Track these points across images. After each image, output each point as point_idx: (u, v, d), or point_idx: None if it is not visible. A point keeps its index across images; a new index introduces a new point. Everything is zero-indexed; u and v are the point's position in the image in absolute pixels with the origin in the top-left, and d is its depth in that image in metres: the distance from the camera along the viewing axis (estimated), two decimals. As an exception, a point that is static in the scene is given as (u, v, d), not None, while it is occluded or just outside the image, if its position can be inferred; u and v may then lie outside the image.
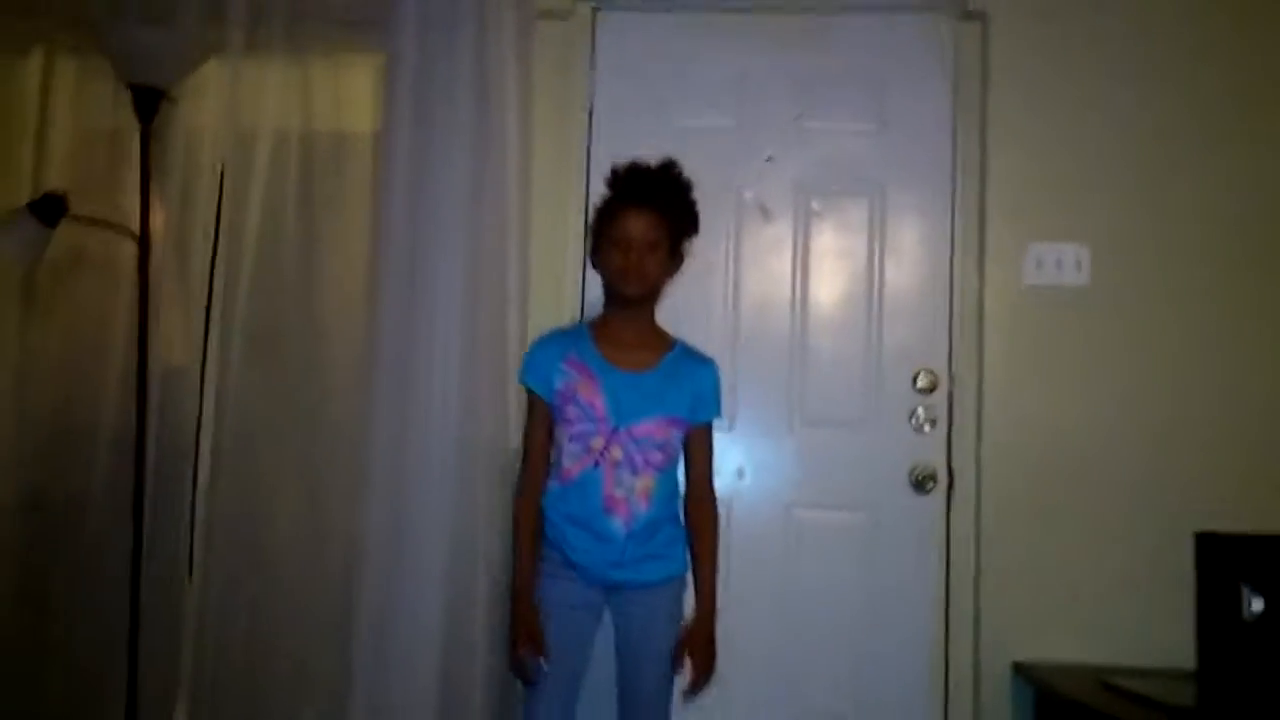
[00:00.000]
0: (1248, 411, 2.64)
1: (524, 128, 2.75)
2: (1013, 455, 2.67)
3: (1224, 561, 2.53)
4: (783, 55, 2.84)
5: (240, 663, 2.70)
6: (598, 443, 2.05)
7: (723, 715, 2.70)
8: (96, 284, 2.85)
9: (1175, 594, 2.56)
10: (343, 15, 2.81)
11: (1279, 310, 2.65)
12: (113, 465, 2.78)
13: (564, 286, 2.79)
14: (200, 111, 2.84)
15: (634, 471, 2.06)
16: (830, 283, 2.82)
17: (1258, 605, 2.46)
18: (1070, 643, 2.57)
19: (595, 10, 2.88)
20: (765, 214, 2.82)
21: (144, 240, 2.66)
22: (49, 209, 2.60)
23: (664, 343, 2.18)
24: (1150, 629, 2.56)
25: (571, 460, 2.07)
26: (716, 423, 2.66)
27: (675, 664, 2.11)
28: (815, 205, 2.82)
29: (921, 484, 2.72)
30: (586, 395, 2.06)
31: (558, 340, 2.18)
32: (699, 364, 2.19)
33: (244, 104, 2.81)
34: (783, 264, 2.82)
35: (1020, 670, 2.56)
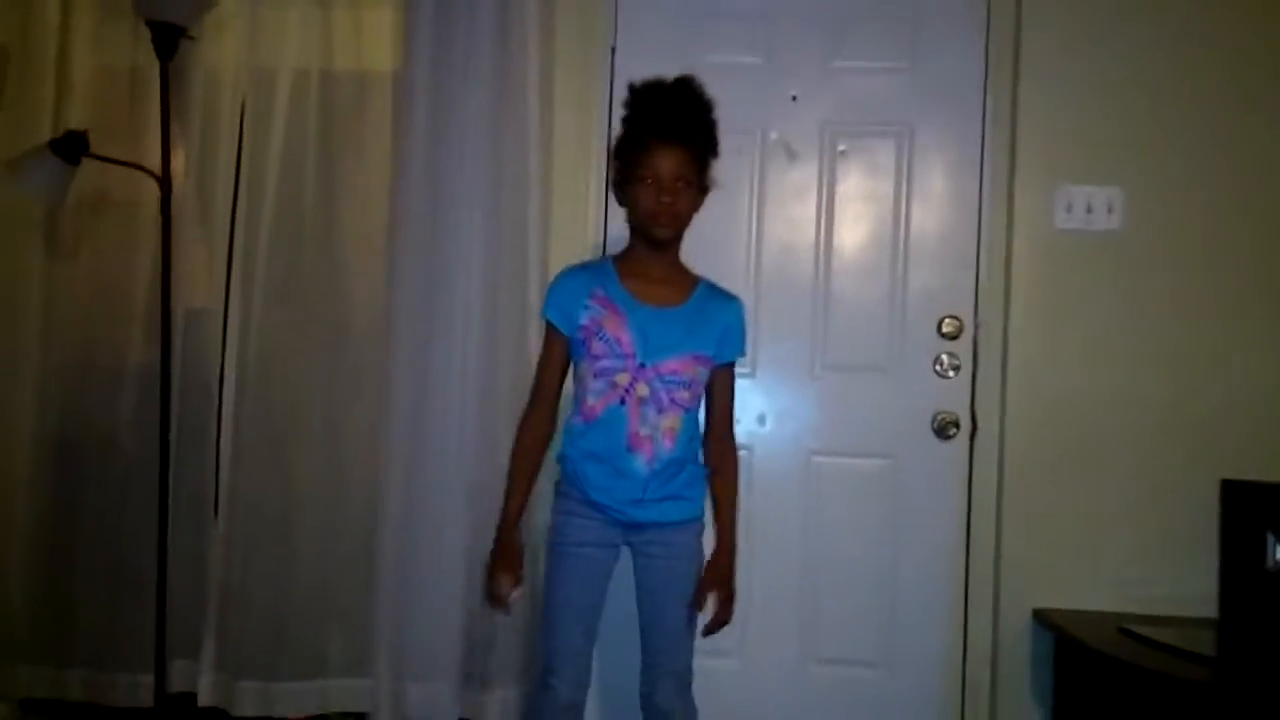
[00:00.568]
0: (1277, 361, 2.59)
1: (545, 65, 2.72)
2: (1037, 403, 2.64)
3: (1250, 510, 2.50)
4: (811, -10, 2.78)
5: (265, 596, 2.75)
6: (623, 379, 2.02)
7: (744, 660, 2.73)
8: (118, 224, 2.86)
9: (1197, 543, 2.54)
10: (363, -49, 2.78)
11: (1317, 258, 2.60)
12: (138, 404, 2.82)
13: (587, 226, 2.77)
14: (220, 50, 2.83)
15: (660, 410, 2.04)
16: (855, 225, 2.78)
17: (1282, 554, 2.44)
18: (1091, 590, 2.56)
19: (619, -55, 2.82)
20: (790, 155, 2.77)
21: (165, 180, 2.66)
22: (71, 147, 2.60)
23: (689, 279, 2.14)
24: (1171, 578, 2.55)
25: (596, 397, 2.04)
26: (737, 369, 2.68)
27: (696, 603, 2.11)
28: (842, 146, 2.77)
29: (944, 430, 2.70)
30: (613, 330, 2.03)
31: (583, 275, 2.13)
32: (726, 301, 2.16)
33: (264, 42, 2.80)
34: (807, 206, 2.78)
35: (1040, 617, 2.56)
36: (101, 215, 2.86)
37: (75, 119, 2.78)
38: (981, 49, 2.72)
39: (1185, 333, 2.61)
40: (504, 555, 2.08)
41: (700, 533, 2.16)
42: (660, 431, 2.04)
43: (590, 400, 2.05)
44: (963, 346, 2.71)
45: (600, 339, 2.03)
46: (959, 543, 2.70)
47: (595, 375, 2.04)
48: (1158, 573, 2.55)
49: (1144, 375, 2.61)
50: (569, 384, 2.14)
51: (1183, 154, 2.63)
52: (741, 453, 2.69)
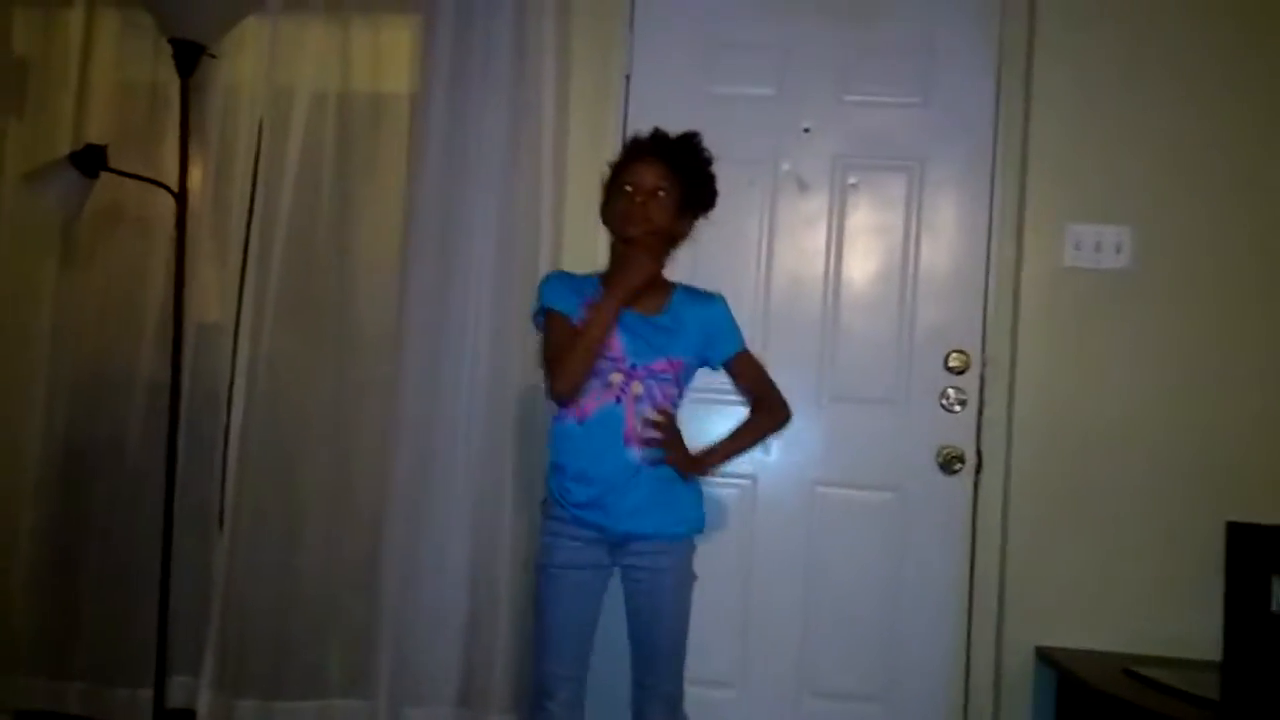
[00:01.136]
0: (1283, 403, 2.60)
1: (560, 91, 2.75)
2: (1042, 439, 2.64)
3: (1255, 552, 2.49)
4: (827, 25, 2.80)
5: (268, 613, 2.75)
6: (617, 378, 2.06)
7: (742, 691, 2.72)
8: (134, 238, 2.88)
9: (1202, 585, 2.53)
10: (382, -26, 2.81)
11: (1323, 302, 2.60)
12: (146, 417, 2.83)
13: (597, 251, 2.76)
14: (239, 68, 2.86)
15: (654, 405, 2.09)
16: (865, 258, 2.79)
17: (1287, 598, 2.43)
18: (1095, 630, 2.55)
19: (635, -26, 2.85)
20: (801, 186, 2.79)
21: (181, 195, 2.68)
22: (89, 160, 2.62)
23: (667, 286, 2.19)
24: (1176, 619, 2.53)
25: (589, 398, 2.07)
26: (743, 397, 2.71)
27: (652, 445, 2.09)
28: (852, 179, 2.79)
29: (949, 465, 2.69)
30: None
31: (573, 280, 2.19)
32: (706, 302, 2.20)
33: (283, 62, 2.83)
34: (817, 238, 2.79)
35: (1043, 655, 2.54)
36: (117, 228, 2.89)
37: (94, 133, 2.81)
38: (993, 86, 2.74)
39: (1193, 373, 2.61)
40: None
41: (690, 553, 2.15)
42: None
43: (584, 401, 2.07)
44: (969, 381, 2.71)
45: None
46: (962, 578, 2.69)
47: (590, 377, 2.07)
48: (1162, 613, 2.54)
49: (1150, 414, 2.61)
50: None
51: (1193, 194, 2.64)
52: (745, 481, 2.74)
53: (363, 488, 2.77)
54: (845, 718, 2.71)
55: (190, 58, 2.62)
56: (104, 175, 2.65)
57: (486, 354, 2.70)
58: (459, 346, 2.69)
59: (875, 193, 2.79)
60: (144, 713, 2.74)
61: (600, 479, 2.07)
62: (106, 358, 2.88)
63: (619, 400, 2.07)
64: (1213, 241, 2.63)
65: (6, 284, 2.90)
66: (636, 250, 2.10)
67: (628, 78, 2.82)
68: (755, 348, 2.65)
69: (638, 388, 2.08)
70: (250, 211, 2.85)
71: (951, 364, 2.71)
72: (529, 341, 2.67)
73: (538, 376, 2.67)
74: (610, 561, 2.11)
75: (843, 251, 2.79)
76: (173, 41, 2.60)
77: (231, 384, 2.83)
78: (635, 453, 2.07)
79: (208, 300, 2.87)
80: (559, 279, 2.21)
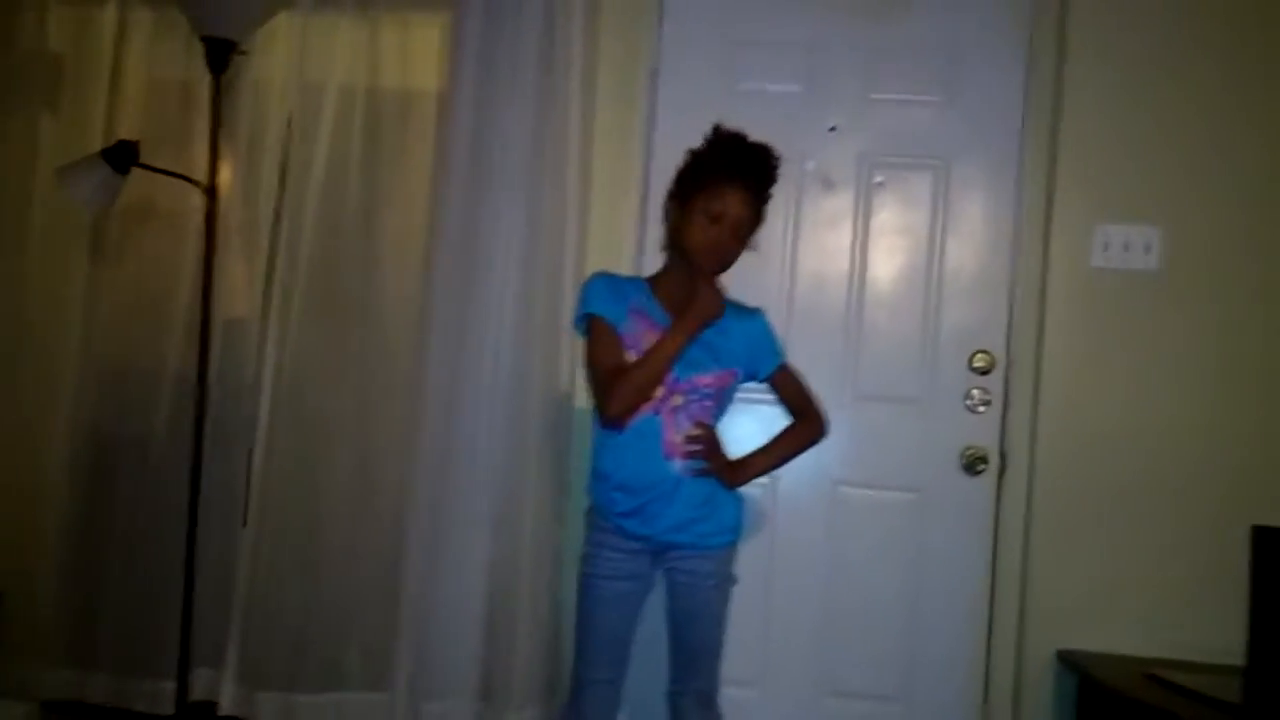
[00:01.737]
0: (1313, 407, 2.57)
1: (587, 87, 2.75)
2: (1067, 441, 2.62)
3: (1281, 558, 2.47)
4: (854, 22, 2.79)
5: (290, 607, 2.77)
6: (659, 391, 2.05)
7: (763, 690, 2.71)
8: (163, 233, 2.91)
9: (1226, 589, 2.51)
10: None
11: (1353, 305, 2.58)
12: (172, 412, 2.86)
13: (623, 247, 2.78)
14: (270, 65, 2.89)
15: (690, 418, 2.08)
16: (890, 256, 2.78)
17: (1314, 604, 2.40)
18: (1117, 633, 2.53)
19: (664, -29, 2.86)
20: (827, 184, 2.79)
21: (211, 192, 2.71)
22: (121, 156, 2.65)
23: None
24: (1199, 623, 2.52)
25: None
26: (765, 395, 2.69)
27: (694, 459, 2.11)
28: (879, 177, 2.78)
29: (972, 466, 2.68)
30: (649, 346, 2.05)
31: (620, 285, 2.16)
32: (749, 317, 2.20)
33: (312, 58, 2.86)
34: (842, 236, 2.79)
35: (1064, 658, 2.53)
36: (147, 224, 2.92)
37: (126, 129, 2.84)
38: (1021, 84, 2.72)
39: (1220, 376, 2.59)
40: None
41: (732, 558, 2.16)
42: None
43: None
44: (994, 382, 2.70)
45: (636, 352, 2.06)
46: (984, 580, 2.68)
47: None
48: (1185, 617, 2.52)
49: (1177, 417, 2.59)
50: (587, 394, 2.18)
51: (1223, 195, 2.62)
52: (765, 480, 2.72)
53: (385, 483, 2.79)
54: (865, 718, 2.71)
55: (222, 55, 2.64)
56: (135, 171, 2.68)
57: (510, 351, 2.70)
58: (482, 343, 2.70)
59: (901, 191, 2.78)
60: (167, 704, 2.76)
61: (642, 489, 2.07)
62: (135, 352, 2.92)
63: (658, 412, 2.06)
64: (1243, 243, 2.61)
65: (38, 278, 2.94)
66: (707, 282, 2.05)
67: (654, 74, 2.82)
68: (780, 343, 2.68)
69: (677, 399, 2.07)
70: (278, 208, 2.88)
71: (976, 364, 2.70)
72: (553, 339, 2.69)
73: (562, 374, 2.69)
74: (652, 570, 2.12)
75: (868, 250, 2.78)
76: (204, 39, 2.63)
77: (258, 379, 2.85)
78: (675, 464, 2.07)
79: (235, 296, 2.90)
80: (604, 283, 2.15)
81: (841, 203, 2.79)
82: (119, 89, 2.92)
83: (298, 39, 2.86)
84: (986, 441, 2.69)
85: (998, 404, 2.69)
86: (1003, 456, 2.68)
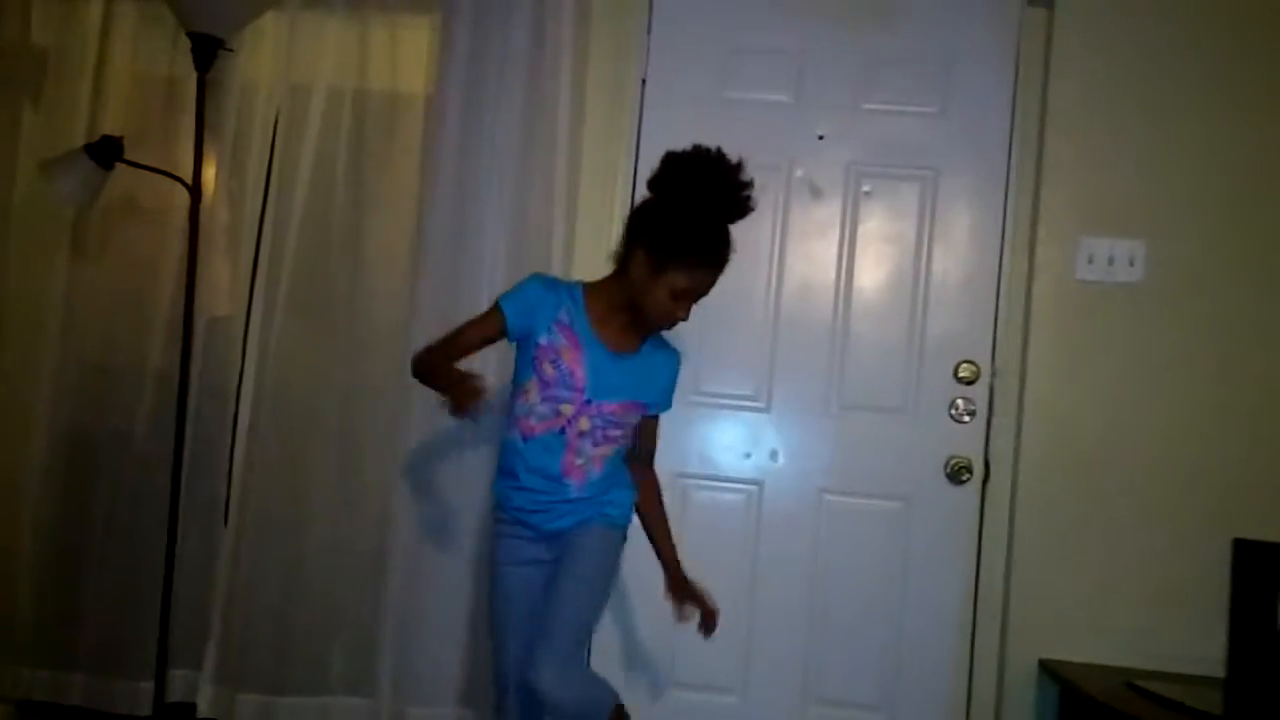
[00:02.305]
0: (1295, 422, 2.60)
1: (576, 94, 2.75)
2: (1051, 452, 2.64)
3: (1261, 569, 2.49)
4: (844, 32, 2.80)
5: (271, 608, 2.75)
6: (568, 409, 2.04)
7: (744, 698, 2.71)
8: (147, 230, 2.89)
9: (1207, 601, 2.54)
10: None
11: (1334, 321, 2.61)
12: (154, 410, 2.83)
13: (608, 257, 2.77)
14: (257, 63, 2.87)
15: (595, 443, 2.07)
16: (876, 266, 2.78)
17: (1293, 617, 2.42)
18: (1099, 644, 2.55)
19: (653, -21, 2.86)
20: (814, 192, 2.79)
21: (195, 189, 2.69)
22: (105, 151, 2.63)
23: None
24: (1180, 635, 2.54)
25: (538, 419, 2.05)
26: (751, 403, 2.69)
27: (676, 613, 2.14)
28: (866, 187, 2.79)
29: (957, 475, 2.69)
30: (569, 363, 2.04)
31: (554, 295, 2.09)
32: (668, 355, 2.17)
33: (300, 58, 2.84)
34: (829, 244, 2.79)
35: (1046, 667, 2.54)
36: (130, 220, 2.89)
37: (110, 124, 2.82)
38: (1009, 97, 2.74)
39: (1203, 388, 2.61)
40: (457, 385, 1.97)
41: (614, 543, 2.14)
42: (591, 460, 2.07)
43: (532, 421, 2.05)
44: (979, 392, 2.71)
45: (554, 366, 2.04)
46: (967, 589, 2.69)
47: (543, 400, 2.04)
48: (1166, 628, 2.54)
49: (1159, 429, 2.61)
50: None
51: (1206, 210, 2.64)
52: (752, 487, 2.75)
53: (369, 485, 2.78)
54: (848, 726, 2.71)
55: (208, 52, 2.62)
56: (119, 167, 2.66)
57: (496, 355, 2.69)
58: (468, 346, 2.69)
59: (888, 201, 2.79)
60: (145, 705, 2.74)
61: (538, 495, 2.08)
62: (116, 349, 2.89)
63: (563, 431, 2.05)
64: (1226, 258, 2.63)
65: (19, 274, 2.91)
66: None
67: (643, 81, 2.82)
68: (763, 354, 2.72)
69: (584, 423, 2.05)
70: (264, 206, 2.86)
71: (961, 374, 2.71)
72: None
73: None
74: (550, 556, 2.10)
75: (855, 259, 2.79)
76: (191, 35, 2.61)
77: (240, 379, 2.84)
78: (571, 485, 2.06)
79: (219, 294, 2.88)
80: (536, 293, 2.08)
81: (829, 211, 2.80)
82: (103, 84, 2.89)
83: (285, 38, 2.84)
84: (971, 451, 2.70)
85: (982, 414, 2.71)
86: (987, 466, 2.70)
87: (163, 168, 2.72)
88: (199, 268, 2.72)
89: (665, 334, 2.13)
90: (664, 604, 2.17)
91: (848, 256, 2.79)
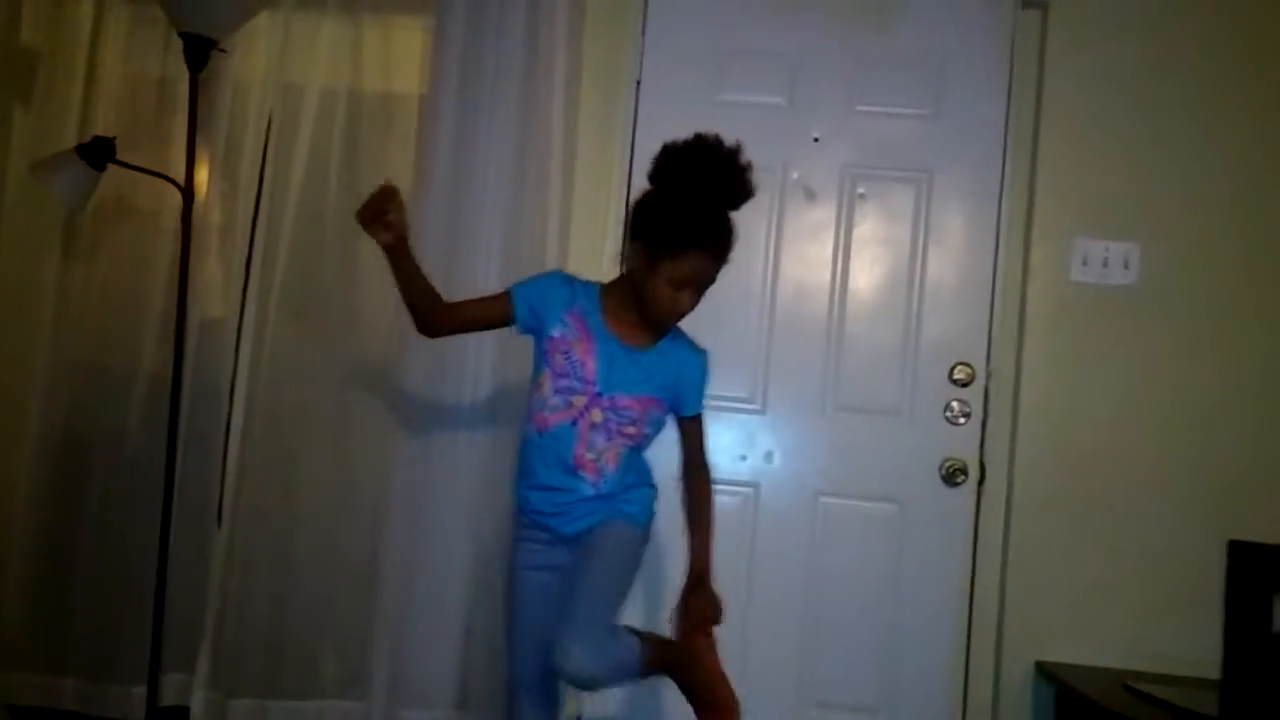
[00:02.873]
0: (1290, 423, 2.60)
1: (570, 96, 2.74)
2: (1046, 454, 2.64)
3: (1256, 571, 2.50)
4: (838, 35, 2.80)
5: (264, 612, 2.74)
6: (580, 401, 2.02)
7: (745, 702, 2.68)
8: (139, 232, 2.87)
9: (1202, 602, 2.54)
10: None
11: (1328, 324, 2.61)
12: (146, 413, 2.81)
13: (604, 254, 2.78)
14: (250, 64, 2.85)
15: (608, 437, 2.04)
16: (871, 268, 2.79)
17: (1288, 618, 2.43)
18: (1095, 646, 2.55)
19: (648, -19, 2.85)
20: (809, 195, 2.79)
21: (188, 190, 2.67)
22: (97, 152, 2.61)
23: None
24: (1176, 636, 2.54)
25: (552, 411, 2.03)
26: (746, 405, 2.67)
27: (678, 615, 2.05)
28: (861, 189, 2.79)
29: (952, 477, 2.69)
30: (580, 354, 2.02)
31: (569, 289, 2.08)
32: (690, 353, 2.12)
33: (293, 59, 2.83)
34: (824, 246, 2.79)
35: (1042, 670, 2.54)
36: (122, 221, 2.88)
37: (102, 125, 2.80)
38: (1004, 100, 2.74)
39: (1197, 391, 2.62)
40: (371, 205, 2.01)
41: (639, 535, 2.10)
42: (604, 456, 2.05)
43: (546, 412, 2.04)
44: (974, 394, 2.71)
45: (565, 357, 2.03)
46: (963, 591, 2.69)
47: (556, 391, 2.03)
48: (1162, 630, 2.55)
49: (1154, 431, 2.62)
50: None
51: (1201, 212, 2.65)
52: (747, 489, 2.74)
53: (362, 488, 2.76)
54: (844, 729, 2.71)
55: (201, 52, 2.61)
56: (110, 168, 2.64)
57: (490, 357, 2.69)
58: (463, 349, 2.68)
59: (883, 203, 2.79)
60: (138, 710, 2.72)
61: (552, 493, 2.05)
62: (109, 351, 2.87)
63: (575, 422, 2.03)
64: (1221, 260, 2.64)
65: (10, 275, 2.89)
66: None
67: (638, 84, 2.82)
68: (759, 356, 2.71)
69: (596, 415, 2.03)
70: (256, 208, 2.84)
71: (956, 376, 2.71)
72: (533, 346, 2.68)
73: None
74: (570, 561, 2.06)
75: (849, 261, 2.79)
76: (184, 35, 2.59)
77: (233, 381, 2.82)
78: (585, 481, 2.03)
79: (211, 296, 2.87)
80: (552, 287, 2.09)
81: (824, 214, 2.80)
82: (95, 85, 2.87)
83: (279, 39, 2.82)
84: (966, 453, 2.70)
85: (977, 416, 2.71)
86: (982, 468, 2.70)
87: (155, 169, 2.70)
88: (191, 269, 2.70)
89: (689, 333, 2.11)
90: (651, 602, 2.15)
91: (842, 258, 2.79)
